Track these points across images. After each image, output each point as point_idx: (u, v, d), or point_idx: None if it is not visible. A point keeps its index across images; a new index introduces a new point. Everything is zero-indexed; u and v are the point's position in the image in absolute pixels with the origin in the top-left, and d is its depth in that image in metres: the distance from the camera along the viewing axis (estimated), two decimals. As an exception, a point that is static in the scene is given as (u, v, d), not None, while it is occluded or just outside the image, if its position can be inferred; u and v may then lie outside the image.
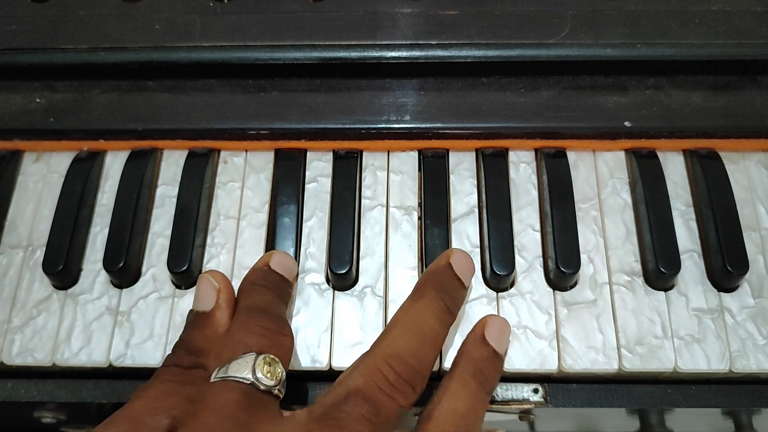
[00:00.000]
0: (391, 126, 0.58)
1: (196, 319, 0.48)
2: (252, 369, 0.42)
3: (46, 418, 0.57)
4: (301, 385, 0.54)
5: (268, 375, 0.43)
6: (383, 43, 0.58)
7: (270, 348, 0.44)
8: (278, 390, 0.44)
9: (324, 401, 0.43)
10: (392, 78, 0.60)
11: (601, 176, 0.59)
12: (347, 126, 0.59)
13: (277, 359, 0.44)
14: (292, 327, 0.54)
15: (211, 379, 0.43)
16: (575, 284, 0.55)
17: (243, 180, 0.60)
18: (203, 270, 0.56)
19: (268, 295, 0.48)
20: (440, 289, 0.48)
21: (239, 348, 0.44)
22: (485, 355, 0.48)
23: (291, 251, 0.55)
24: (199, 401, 0.42)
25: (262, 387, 0.42)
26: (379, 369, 0.43)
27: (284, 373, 0.44)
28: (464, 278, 0.50)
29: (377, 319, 0.54)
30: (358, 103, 0.59)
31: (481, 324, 0.50)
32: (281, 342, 0.46)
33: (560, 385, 0.53)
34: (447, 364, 0.52)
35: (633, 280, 0.55)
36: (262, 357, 0.43)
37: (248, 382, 0.42)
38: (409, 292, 0.55)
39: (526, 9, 0.59)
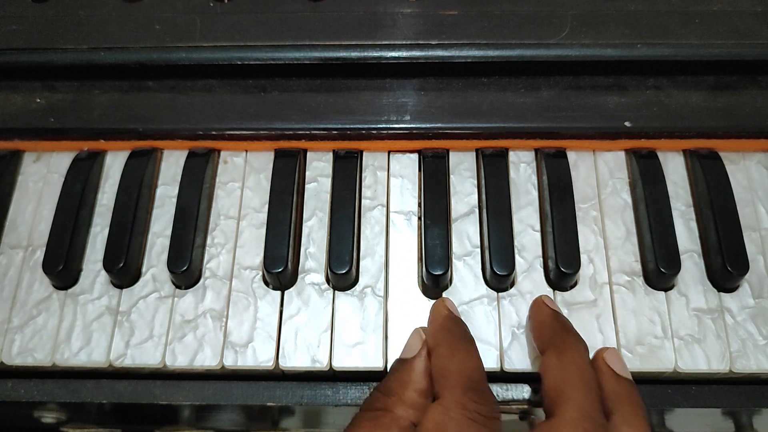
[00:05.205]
0: (391, 126, 0.58)
1: (397, 365, 0.49)
2: None
3: (46, 418, 0.57)
4: (301, 385, 0.53)
5: None
6: (383, 43, 0.58)
7: None
8: None
9: None
10: (392, 78, 0.60)
11: (601, 176, 0.59)
12: (347, 126, 0.59)
13: None
14: (291, 327, 0.54)
15: None
16: (575, 284, 0.55)
17: (243, 180, 0.60)
18: (203, 270, 0.56)
19: (476, 357, 0.47)
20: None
21: None
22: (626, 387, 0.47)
23: (286, 251, 0.55)
24: None
25: None
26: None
27: None
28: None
29: (377, 319, 0.54)
30: (358, 103, 0.59)
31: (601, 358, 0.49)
32: (495, 429, 0.43)
33: (560, 385, 0.53)
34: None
35: (633, 280, 0.55)
36: None
37: None
38: (409, 292, 0.55)
39: (526, 9, 0.59)
